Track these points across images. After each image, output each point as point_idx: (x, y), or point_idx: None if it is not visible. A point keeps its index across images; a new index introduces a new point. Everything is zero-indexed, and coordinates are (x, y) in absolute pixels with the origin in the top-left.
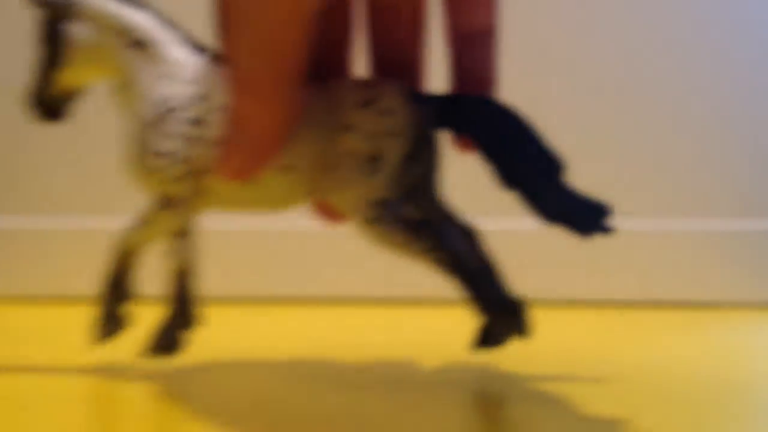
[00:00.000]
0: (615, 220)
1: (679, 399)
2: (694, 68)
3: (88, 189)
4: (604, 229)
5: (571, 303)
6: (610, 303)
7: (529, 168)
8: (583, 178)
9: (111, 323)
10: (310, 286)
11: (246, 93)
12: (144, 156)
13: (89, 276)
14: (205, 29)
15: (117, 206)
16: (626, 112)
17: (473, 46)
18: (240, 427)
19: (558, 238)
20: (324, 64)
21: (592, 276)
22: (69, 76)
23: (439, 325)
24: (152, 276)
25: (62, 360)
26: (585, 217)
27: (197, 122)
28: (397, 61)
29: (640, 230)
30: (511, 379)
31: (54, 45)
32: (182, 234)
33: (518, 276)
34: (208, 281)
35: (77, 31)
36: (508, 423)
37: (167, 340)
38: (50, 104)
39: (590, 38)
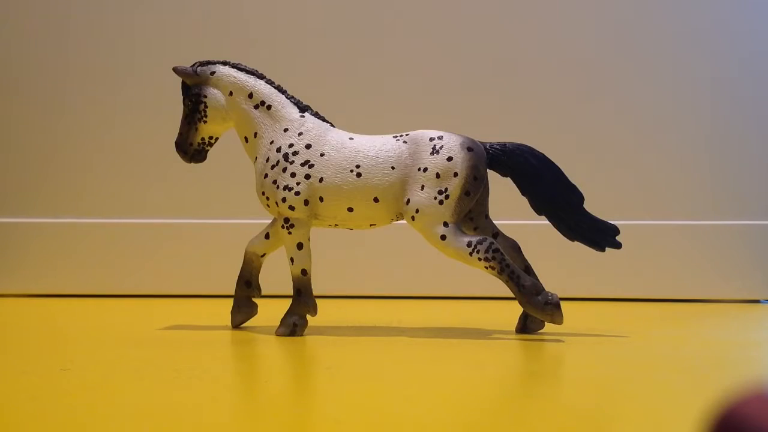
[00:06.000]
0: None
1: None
2: (691, 78)
3: (90, 192)
4: (614, 245)
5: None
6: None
7: (556, 199)
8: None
9: (243, 310)
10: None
11: None
12: (272, 189)
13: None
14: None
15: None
16: (632, 122)
17: None
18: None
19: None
20: None
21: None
22: (207, 129)
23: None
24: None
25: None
26: (599, 236)
27: (307, 164)
28: None
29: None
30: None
31: (197, 106)
32: (301, 245)
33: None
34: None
35: (215, 94)
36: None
37: (293, 323)
38: (194, 150)
39: (591, 42)
